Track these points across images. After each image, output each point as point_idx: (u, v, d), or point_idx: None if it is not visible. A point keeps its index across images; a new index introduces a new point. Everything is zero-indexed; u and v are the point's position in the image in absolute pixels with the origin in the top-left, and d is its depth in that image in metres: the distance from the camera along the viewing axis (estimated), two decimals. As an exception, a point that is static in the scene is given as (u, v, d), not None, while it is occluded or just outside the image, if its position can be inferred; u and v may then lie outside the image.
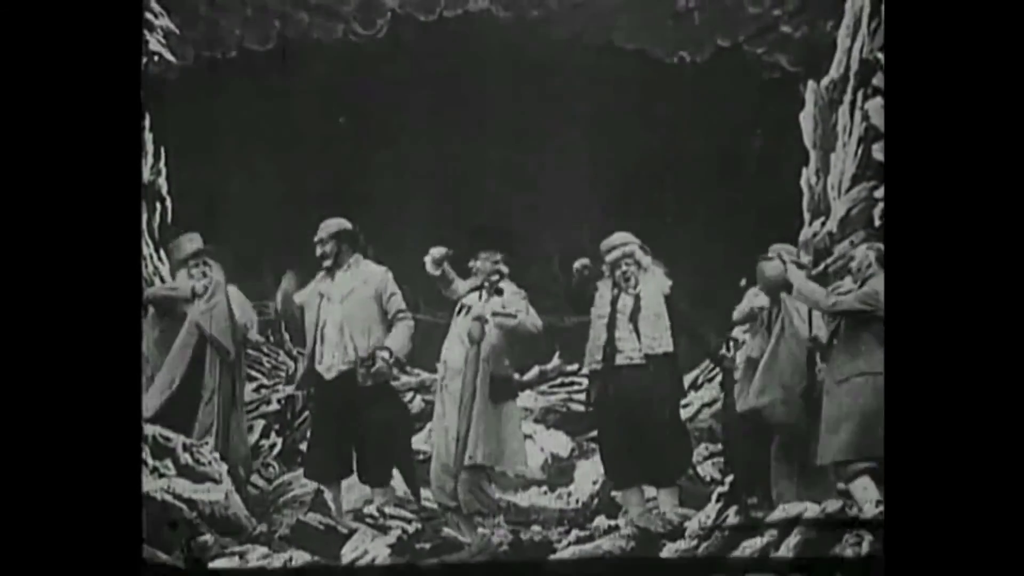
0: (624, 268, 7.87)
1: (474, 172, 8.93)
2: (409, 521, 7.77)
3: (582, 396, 8.35)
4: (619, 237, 7.98)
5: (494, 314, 7.82)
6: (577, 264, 7.92)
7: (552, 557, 7.47)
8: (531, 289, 8.14)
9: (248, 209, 8.73)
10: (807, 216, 9.02)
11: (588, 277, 7.93)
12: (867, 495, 7.26)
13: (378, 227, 8.48)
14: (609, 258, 7.92)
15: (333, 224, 8.07)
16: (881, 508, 7.16)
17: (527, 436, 8.97)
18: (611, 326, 7.79)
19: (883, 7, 8.43)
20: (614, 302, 7.84)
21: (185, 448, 7.81)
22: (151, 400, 7.85)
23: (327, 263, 8.03)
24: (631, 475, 7.80)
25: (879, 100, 8.69)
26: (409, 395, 9.05)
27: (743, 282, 8.04)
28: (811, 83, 9.03)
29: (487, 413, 7.78)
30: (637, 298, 7.82)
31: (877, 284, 7.39)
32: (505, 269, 7.96)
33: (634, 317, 7.77)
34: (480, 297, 7.91)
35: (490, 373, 7.83)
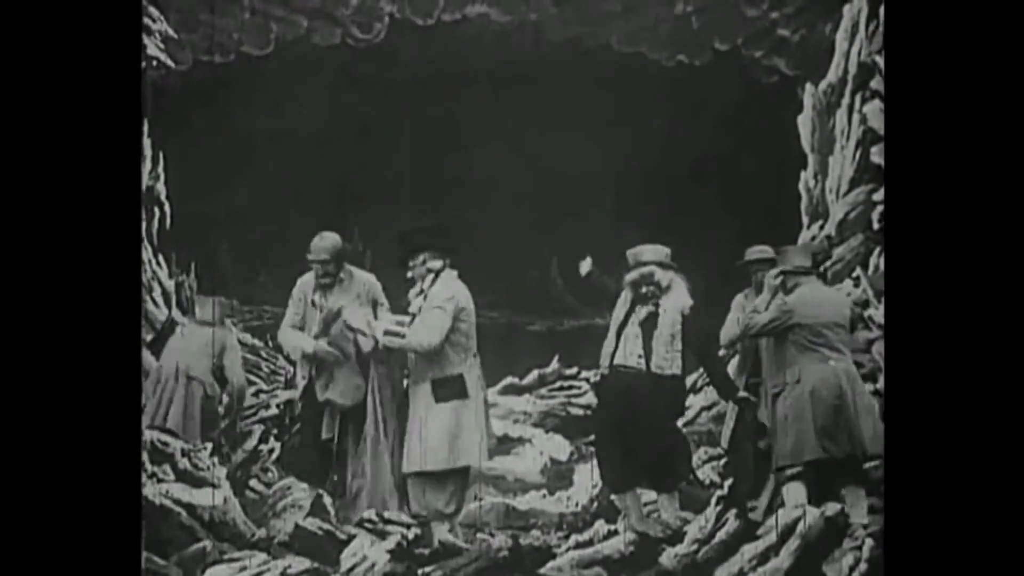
0: (644, 290, 7.61)
1: (472, 174, 8.93)
2: (408, 527, 7.77)
3: (581, 400, 8.34)
4: (645, 253, 7.68)
5: (385, 332, 7.53)
6: (583, 269, 7.78)
7: (551, 562, 7.47)
8: (529, 292, 8.14)
9: (247, 214, 8.74)
10: (805, 219, 9.04)
11: (598, 279, 7.80)
12: (794, 498, 7.37)
13: (377, 229, 8.49)
14: (629, 277, 7.65)
15: (328, 241, 7.86)
16: (800, 511, 7.26)
17: (527, 440, 9.01)
18: (619, 334, 7.66)
19: (881, 10, 8.44)
20: (629, 313, 7.70)
21: (183, 453, 7.80)
22: None
23: (325, 280, 7.80)
24: (627, 479, 7.73)
25: (877, 103, 8.70)
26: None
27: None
28: (809, 86, 9.05)
29: (422, 418, 7.59)
30: (655, 312, 7.64)
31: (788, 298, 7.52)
32: (436, 264, 7.60)
33: (647, 328, 7.65)
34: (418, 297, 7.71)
35: (430, 378, 7.55)
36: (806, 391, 7.36)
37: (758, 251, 7.89)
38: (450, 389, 7.54)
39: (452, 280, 7.58)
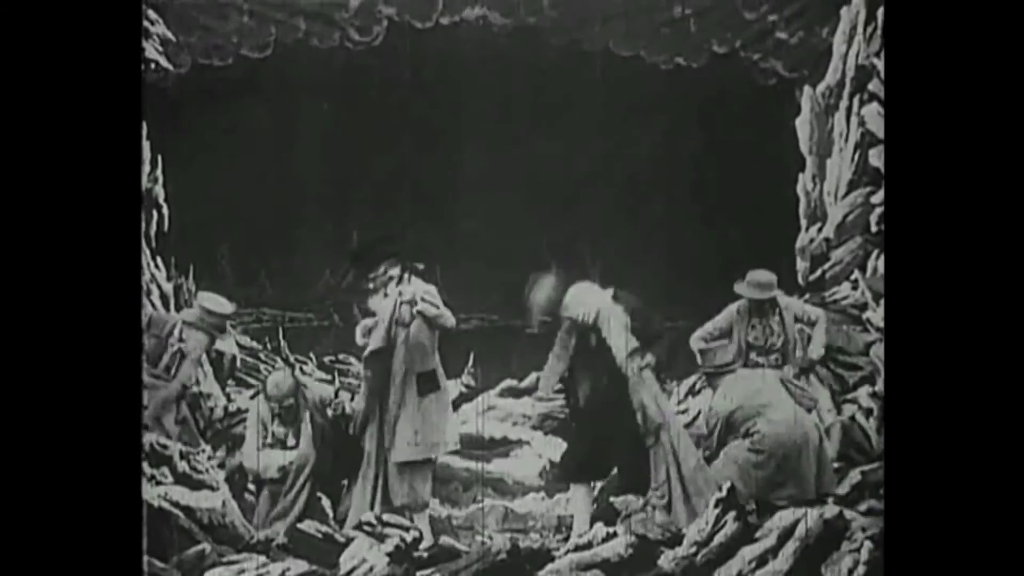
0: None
1: (470, 177, 8.92)
2: (407, 529, 7.78)
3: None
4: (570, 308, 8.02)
5: (422, 298, 7.94)
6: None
7: (550, 565, 7.48)
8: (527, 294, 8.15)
9: (246, 216, 8.73)
10: (803, 222, 9.02)
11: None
12: None
13: (375, 231, 8.48)
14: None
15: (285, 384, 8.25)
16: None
17: (525, 442, 9.01)
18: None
19: (880, 13, 8.45)
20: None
21: (182, 456, 7.80)
22: None
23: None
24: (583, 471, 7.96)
25: (875, 106, 8.70)
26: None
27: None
28: (807, 89, 9.03)
29: (411, 408, 7.96)
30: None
31: None
32: (396, 271, 8.06)
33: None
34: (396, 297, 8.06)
35: (416, 372, 7.95)
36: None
37: (755, 286, 7.93)
38: (430, 383, 7.97)
39: (420, 282, 8.02)
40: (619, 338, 7.90)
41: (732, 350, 8.04)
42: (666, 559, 7.42)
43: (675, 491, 7.69)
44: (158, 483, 7.64)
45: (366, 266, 8.10)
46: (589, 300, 7.99)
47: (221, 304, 8.38)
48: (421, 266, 8.12)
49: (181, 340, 8.21)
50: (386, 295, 8.06)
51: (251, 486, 8.15)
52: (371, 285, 8.08)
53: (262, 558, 7.54)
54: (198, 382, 8.34)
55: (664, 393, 7.91)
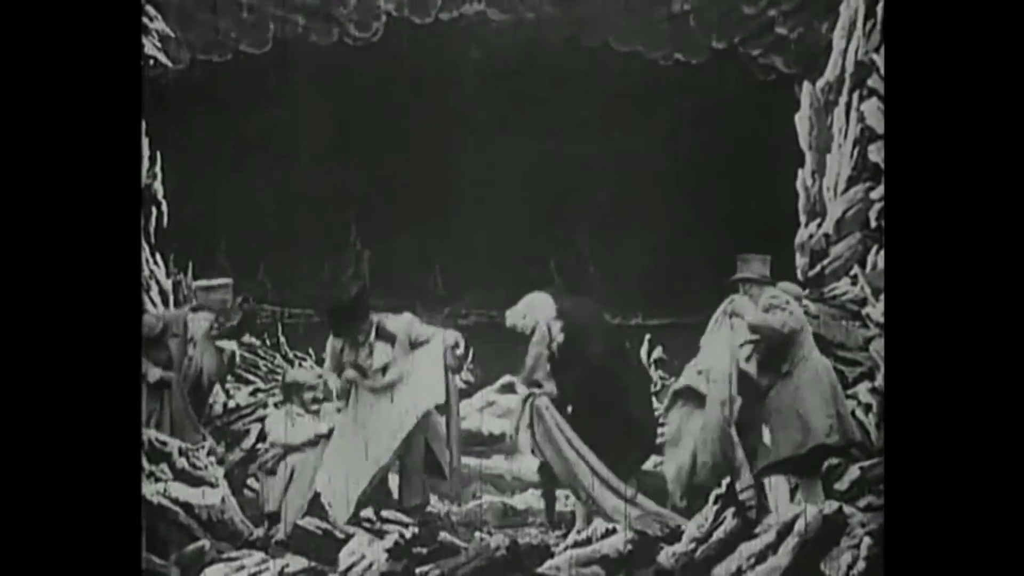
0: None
1: (469, 173, 8.94)
2: (406, 526, 7.78)
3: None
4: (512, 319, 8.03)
5: (457, 342, 8.00)
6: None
7: (549, 561, 7.49)
8: (526, 291, 8.17)
9: (244, 213, 8.74)
10: (803, 218, 9.04)
11: None
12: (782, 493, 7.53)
13: (374, 228, 8.50)
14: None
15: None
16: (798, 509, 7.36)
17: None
18: None
19: (879, 8, 8.46)
20: None
21: (181, 452, 7.81)
22: None
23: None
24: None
25: (875, 101, 8.70)
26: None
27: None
28: (807, 84, 9.04)
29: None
30: None
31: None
32: (375, 318, 8.01)
33: None
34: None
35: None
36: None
37: (750, 268, 7.92)
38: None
39: (399, 318, 8.01)
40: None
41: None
42: (665, 555, 7.42)
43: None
44: (157, 480, 7.65)
45: (352, 320, 7.94)
46: (535, 312, 7.97)
47: (217, 280, 8.34)
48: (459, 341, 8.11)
49: (187, 327, 8.19)
50: (372, 344, 8.02)
51: (251, 482, 8.17)
52: (360, 337, 7.97)
53: (261, 554, 7.55)
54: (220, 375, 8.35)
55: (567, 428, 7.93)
